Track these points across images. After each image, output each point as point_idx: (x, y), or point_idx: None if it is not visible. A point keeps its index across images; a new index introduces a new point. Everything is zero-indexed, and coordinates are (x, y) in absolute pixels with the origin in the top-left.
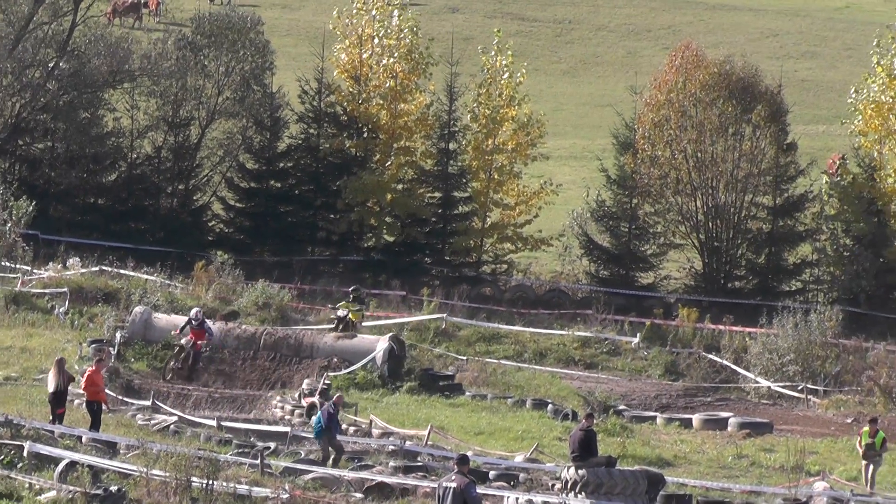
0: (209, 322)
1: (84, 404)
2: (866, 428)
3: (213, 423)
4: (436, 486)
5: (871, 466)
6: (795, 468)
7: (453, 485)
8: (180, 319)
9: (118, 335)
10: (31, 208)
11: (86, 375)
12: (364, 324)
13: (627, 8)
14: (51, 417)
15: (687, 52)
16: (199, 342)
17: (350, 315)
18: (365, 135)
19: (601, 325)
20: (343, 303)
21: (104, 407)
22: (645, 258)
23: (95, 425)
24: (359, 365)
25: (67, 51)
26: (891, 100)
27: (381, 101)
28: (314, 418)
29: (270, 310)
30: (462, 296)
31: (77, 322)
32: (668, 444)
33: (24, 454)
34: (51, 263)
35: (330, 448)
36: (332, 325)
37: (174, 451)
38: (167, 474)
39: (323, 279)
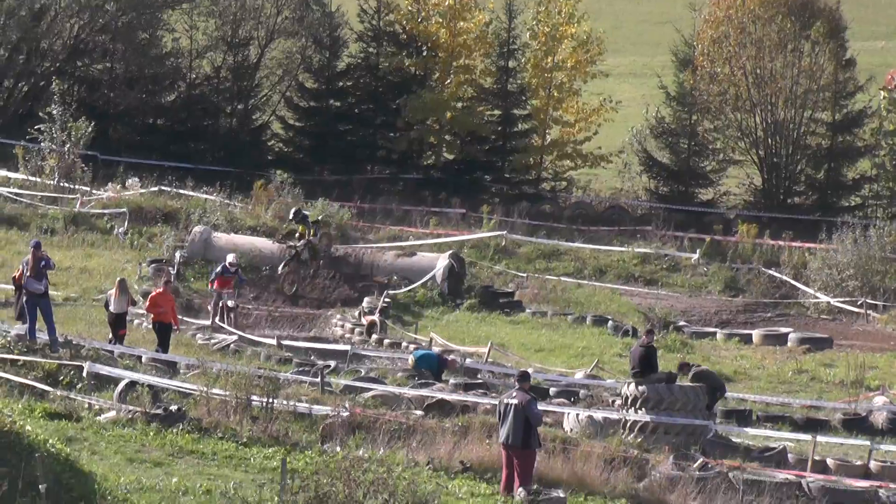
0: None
1: (152, 325)
2: None
3: (274, 341)
4: (496, 402)
5: None
6: (855, 383)
7: (515, 401)
8: (240, 239)
9: (178, 255)
10: (90, 129)
11: (150, 297)
12: (421, 242)
13: None
14: (111, 338)
15: None
16: (225, 289)
17: (301, 232)
18: (424, 53)
19: (661, 241)
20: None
21: (175, 328)
22: (704, 174)
23: (163, 345)
24: (419, 283)
25: None
26: None
27: (441, 20)
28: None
29: (331, 228)
30: (522, 213)
31: (136, 242)
32: (728, 359)
33: (84, 374)
34: (110, 184)
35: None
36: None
37: (234, 370)
38: (227, 393)
39: (383, 197)
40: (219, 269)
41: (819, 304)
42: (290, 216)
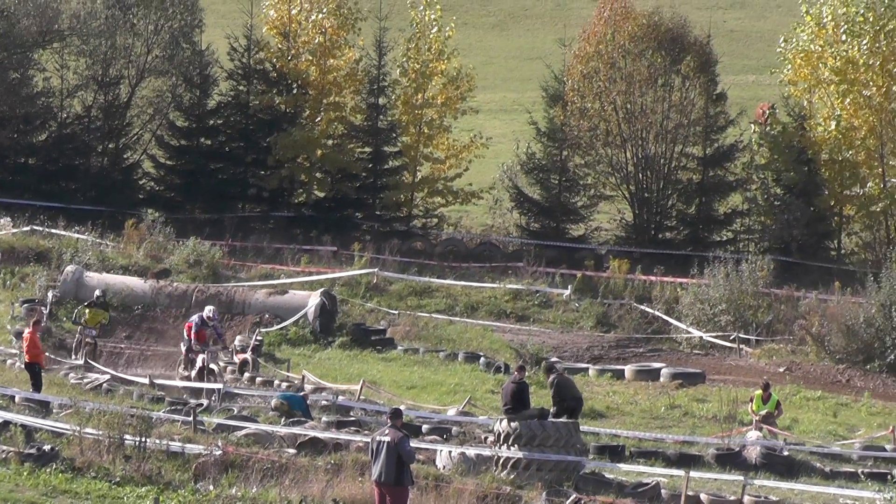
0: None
1: (23, 365)
2: (758, 392)
3: (146, 380)
4: (369, 440)
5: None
6: (728, 418)
7: (387, 439)
8: (112, 278)
9: (50, 295)
10: None
11: (26, 337)
12: (292, 280)
13: None
14: None
15: (615, 3)
16: (201, 343)
17: (87, 317)
18: (294, 91)
19: (532, 277)
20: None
21: (41, 368)
22: (575, 210)
23: (37, 386)
24: (291, 321)
25: None
26: (819, 49)
27: (311, 57)
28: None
29: (202, 267)
30: (393, 250)
31: (9, 282)
32: (600, 395)
33: None
34: None
35: None
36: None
37: (107, 410)
38: (100, 432)
39: (254, 236)
40: (195, 319)
41: (691, 338)
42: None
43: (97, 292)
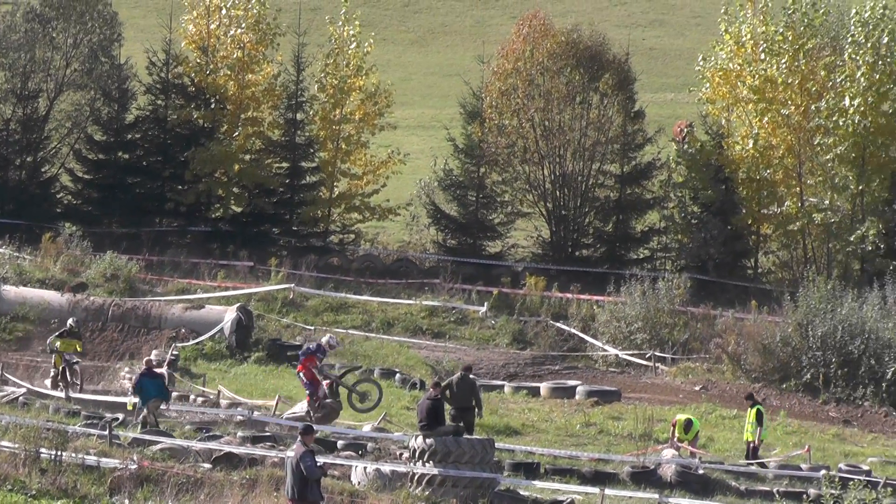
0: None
1: None
2: (681, 419)
3: (62, 394)
4: (284, 456)
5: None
6: (644, 436)
7: (292, 454)
8: (29, 292)
9: None
10: None
11: None
12: (208, 295)
13: None
14: None
15: (534, 21)
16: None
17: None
18: (213, 106)
19: (449, 294)
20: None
21: None
22: (492, 227)
23: None
24: (207, 336)
25: None
26: (738, 67)
27: (229, 72)
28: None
29: (118, 281)
30: (310, 266)
31: None
32: (516, 412)
33: None
34: None
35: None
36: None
37: (23, 423)
38: (16, 446)
39: (171, 250)
40: (312, 346)
41: (607, 356)
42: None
43: (70, 321)
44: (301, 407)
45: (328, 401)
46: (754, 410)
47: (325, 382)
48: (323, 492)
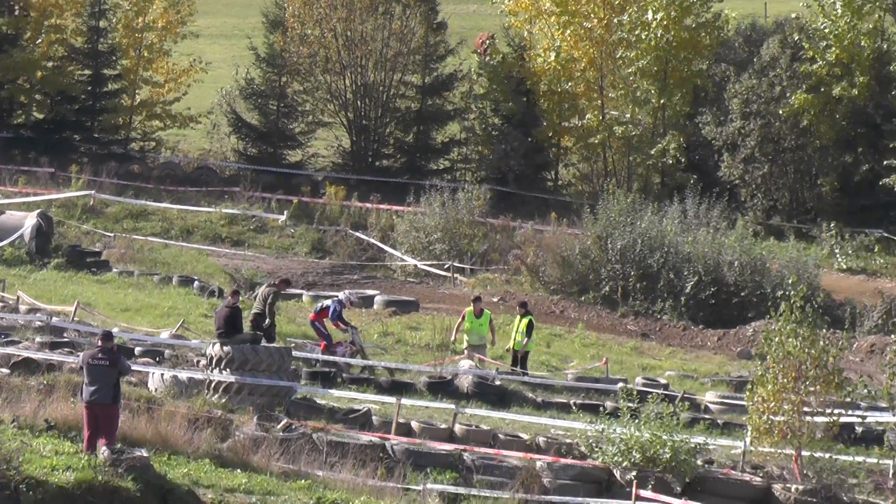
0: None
1: None
2: (469, 309)
3: None
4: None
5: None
6: (441, 346)
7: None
8: None
9: None
10: None
11: None
12: (8, 200)
13: None
14: None
15: None
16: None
17: None
18: (16, 13)
19: (248, 202)
20: None
21: None
22: (293, 136)
23: None
24: (6, 242)
25: None
26: None
27: None
28: None
29: None
30: (110, 173)
31: None
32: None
33: None
34: None
35: None
36: None
37: None
38: None
39: None
40: (328, 303)
41: (406, 267)
42: None
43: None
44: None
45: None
46: (525, 320)
47: (348, 345)
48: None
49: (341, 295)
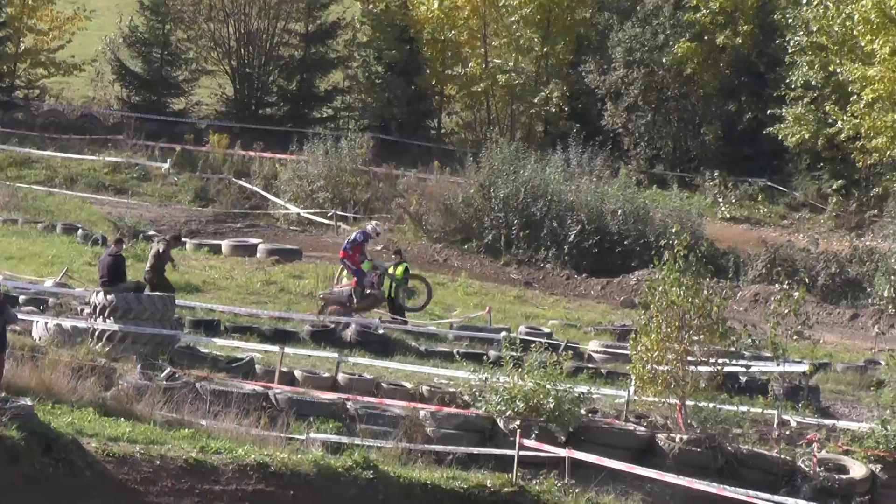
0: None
1: None
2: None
3: None
4: None
5: None
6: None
7: None
8: None
9: None
10: None
11: None
12: None
13: None
14: None
15: None
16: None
17: None
18: None
19: (132, 150)
20: None
21: None
22: (177, 84)
23: None
24: None
25: None
26: None
27: None
28: None
29: None
30: None
31: None
32: (197, 269)
33: None
34: None
35: None
36: None
37: None
38: None
39: None
40: (359, 236)
41: (289, 215)
42: None
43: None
44: (345, 289)
45: (373, 291)
46: (401, 267)
47: (374, 272)
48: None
49: (368, 226)
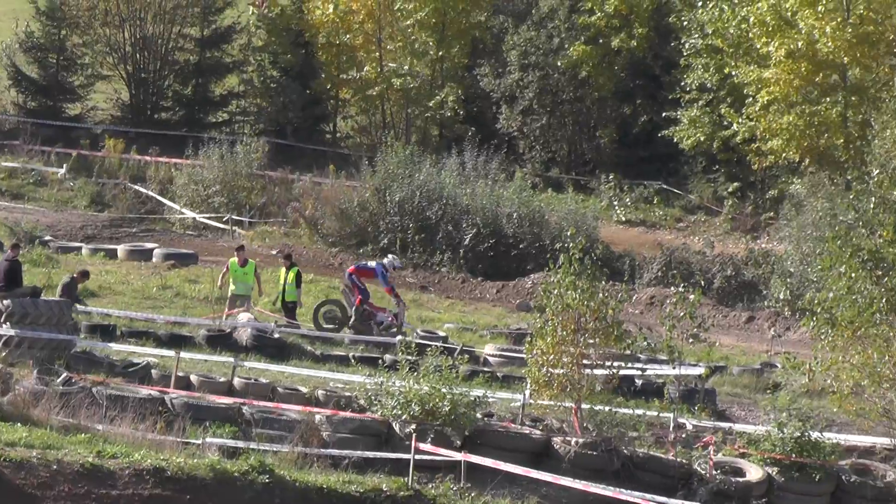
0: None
1: None
2: (233, 259)
3: None
4: None
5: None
6: (220, 299)
7: None
8: None
9: None
10: None
11: None
12: None
13: None
14: None
15: None
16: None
17: None
18: None
19: (28, 155)
20: None
21: None
22: (73, 89)
23: None
24: None
25: None
26: None
27: None
28: None
29: None
30: None
31: None
32: (93, 274)
33: None
34: None
35: None
36: None
37: None
38: None
39: None
40: (373, 265)
41: (185, 219)
42: None
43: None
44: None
45: (376, 326)
46: (293, 272)
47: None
48: None
49: (385, 260)
